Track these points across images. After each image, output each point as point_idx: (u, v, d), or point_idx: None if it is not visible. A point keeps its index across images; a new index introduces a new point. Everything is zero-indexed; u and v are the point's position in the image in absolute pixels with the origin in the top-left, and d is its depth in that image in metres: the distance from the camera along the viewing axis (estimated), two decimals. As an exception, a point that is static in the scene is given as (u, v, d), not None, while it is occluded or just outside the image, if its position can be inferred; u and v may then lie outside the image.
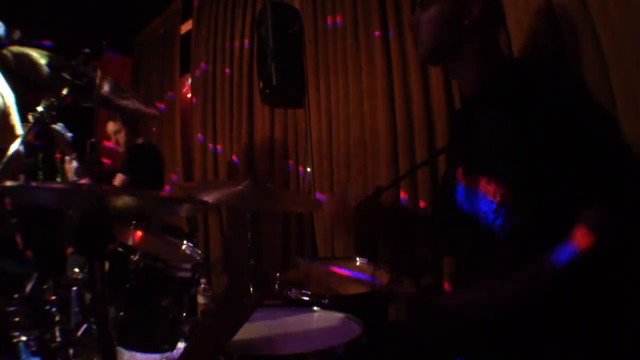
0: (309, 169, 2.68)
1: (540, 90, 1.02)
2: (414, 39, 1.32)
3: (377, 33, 2.25)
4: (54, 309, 1.64)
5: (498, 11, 1.24)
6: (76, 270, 1.75)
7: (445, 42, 1.21)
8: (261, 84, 2.66)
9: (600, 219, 0.93)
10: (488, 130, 1.13)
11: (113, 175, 3.00)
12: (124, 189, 2.66)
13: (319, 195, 2.53)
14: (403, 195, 2.08)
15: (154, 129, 4.12)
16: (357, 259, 1.80)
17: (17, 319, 1.61)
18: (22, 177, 2.56)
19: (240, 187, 1.57)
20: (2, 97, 2.06)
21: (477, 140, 1.16)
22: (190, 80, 3.75)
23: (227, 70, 3.27)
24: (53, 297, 1.66)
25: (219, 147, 3.35)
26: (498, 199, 1.08)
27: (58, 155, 2.90)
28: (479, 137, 1.15)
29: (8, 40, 1.83)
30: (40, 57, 1.53)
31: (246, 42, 3.09)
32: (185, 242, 1.93)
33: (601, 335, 0.95)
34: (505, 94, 1.09)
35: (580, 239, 0.93)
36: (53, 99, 1.53)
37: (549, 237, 0.96)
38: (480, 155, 1.15)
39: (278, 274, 1.66)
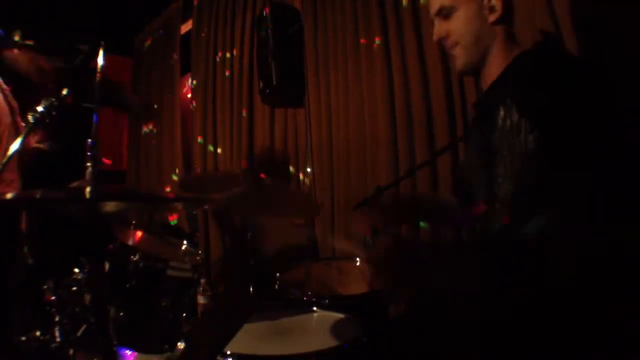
0: (309, 169, 2.68)
1: (546, 79, 1.01)
2: (447, 54, 1.28)
3: (377, 33, 2.25)
4: (54, 309, 1.64)
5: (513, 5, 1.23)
6: (76, 270, 1.75)
7: (481, 47, 1.18)
8: (261, 84, 2.66)
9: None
10: (498, 121, 1.12)
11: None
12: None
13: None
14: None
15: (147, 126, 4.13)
16: (357, 258, 1.80)
17: (17, 319, 1.61)
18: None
19: (240, 188, 1.56)
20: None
21: (488, 133, 1.15)
22: (190, 80, 3.75)
23: (227, 70, 3.27)
24: (53, 297, 1.65)
25: (218, 147, 3.35)
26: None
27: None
28: (491, 130, 1.14)
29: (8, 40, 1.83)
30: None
31: (246, 42, 3.09)
32: (185, 242, 1.93)
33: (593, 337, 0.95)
34: (516, 84, 1.08)
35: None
36: (53, 99, 1.53)
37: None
38: (490, 149, 1.13)
39: (278, 274, 1.66)
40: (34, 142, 2.67)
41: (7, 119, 2.11)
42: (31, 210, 1.96)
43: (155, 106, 3.96)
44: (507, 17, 1.18)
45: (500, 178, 1.08)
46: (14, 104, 2.16)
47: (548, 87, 0.99)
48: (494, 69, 1.19)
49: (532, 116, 1.00)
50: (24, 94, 2.10)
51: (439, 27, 1.23)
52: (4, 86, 2.11)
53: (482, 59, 1.20)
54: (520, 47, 1.22)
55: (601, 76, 1.02)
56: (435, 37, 1.25)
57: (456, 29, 1.20)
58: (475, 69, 1.23)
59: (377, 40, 2.24)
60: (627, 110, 1.31)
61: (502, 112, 1.07)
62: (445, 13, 1.20)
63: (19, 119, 2.15)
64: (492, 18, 1.17)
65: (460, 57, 1.22)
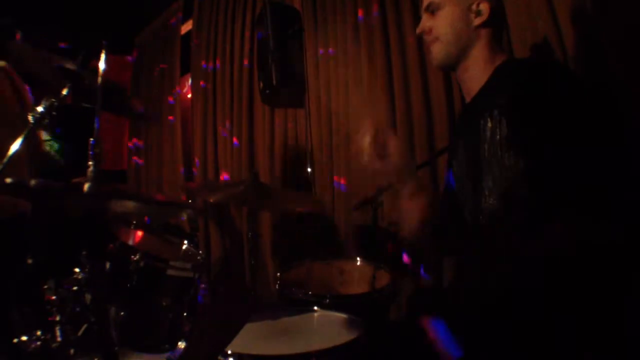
0: (309, 169, 2.68)
1: (538, 92, 1.01)
2: (426, 47, 1.31)
3: (377, 33, 2.25)
4: (54, 309, 1.64)
5: (503, 11, 1.24)
6: (76, 270, 1.74)
7: (459, 46, 1.20)
8: (261, 85, 2.66)
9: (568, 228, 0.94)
10: (486, 132, 1.12)
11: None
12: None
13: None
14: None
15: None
16: (357, 258, 1.80)
17: (17, 319, 1.61)
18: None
19: (241, 187, 1.57)
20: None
21: (476, 144, 1.15)
22: (190, 80, 3.75)
23: (227, 70, 3.27)
24: (53, 297, 1.65)
25: (219, 147, 3.35)
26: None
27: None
28: (478, 140, 1.15)
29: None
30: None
31: (246, 42, 3.09)
32: (185, 242, 1.93)
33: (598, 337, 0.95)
34: (505, 95, 1.08)
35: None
36: (53, 99, 1.53)
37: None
38: (478, 160, 1.14)
39: (278, 274, 1.66)
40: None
41: (18, 117, 2.09)
42: (34, 208, 1.95)
43: (153, 110, 3.95)
44: (493, 21, 1.19)
45: (487, 191, 1.09)
46: (29, 101, 2.14)
47: (539, 100, 1.00)
48: (475, 71, 1.20)
49: (522, 129, 1.01)
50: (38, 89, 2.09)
51: (424, 22, 1.26)
52: (18, 79, 2.09)
53: (460, 57, 1.22)
54: (505, 53, 1.23)
55: (594, 91, 1.02)
56: (418, 30, 1.28)
57: (438, 25, 1.22)
58: (452, 67, 1.26)
59: (377, 40, 2.24)
60: (627, 110, 1.31)
61: (489, 123, 1.08)
62: (432, 9, 1.23)
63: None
64: (477, 21, 1.18)
65: (437, 53, 1.25)
